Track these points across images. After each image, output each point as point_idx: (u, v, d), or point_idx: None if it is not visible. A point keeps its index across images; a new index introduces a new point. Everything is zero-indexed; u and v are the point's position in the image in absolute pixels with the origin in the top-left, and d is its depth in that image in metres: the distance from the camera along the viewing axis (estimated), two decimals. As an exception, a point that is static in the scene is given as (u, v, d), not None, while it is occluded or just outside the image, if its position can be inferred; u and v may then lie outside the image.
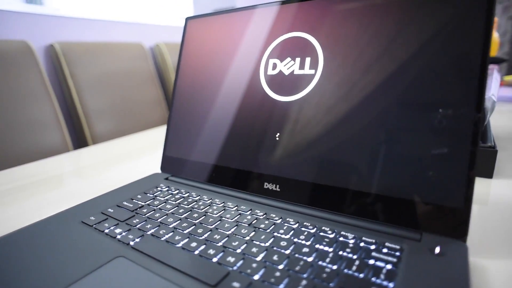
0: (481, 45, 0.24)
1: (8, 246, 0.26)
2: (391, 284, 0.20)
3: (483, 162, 0.40)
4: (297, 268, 0.22)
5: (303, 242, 0.25)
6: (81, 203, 0.34)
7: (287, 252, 0.24)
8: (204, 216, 0.30)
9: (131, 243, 0.26)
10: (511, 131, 0.61)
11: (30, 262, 0.24)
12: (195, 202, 0.33)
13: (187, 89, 0.43)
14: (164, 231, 0.28)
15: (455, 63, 0.25)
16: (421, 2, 0.27)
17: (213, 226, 0.28)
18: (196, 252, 0.25)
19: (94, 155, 0.61)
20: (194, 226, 0.29)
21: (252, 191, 0.34)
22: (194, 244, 0.26)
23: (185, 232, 0.28)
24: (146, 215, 0.31)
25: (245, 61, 0.37)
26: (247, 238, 0.26)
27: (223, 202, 0.33)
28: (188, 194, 0.36)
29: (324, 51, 0.32)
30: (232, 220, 0.29)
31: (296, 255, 0.24)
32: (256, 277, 0.22)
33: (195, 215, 0.31)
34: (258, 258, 0.24)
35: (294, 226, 0.28)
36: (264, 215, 0.30)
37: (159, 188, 0.38)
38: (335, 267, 0.22)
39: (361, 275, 0.21)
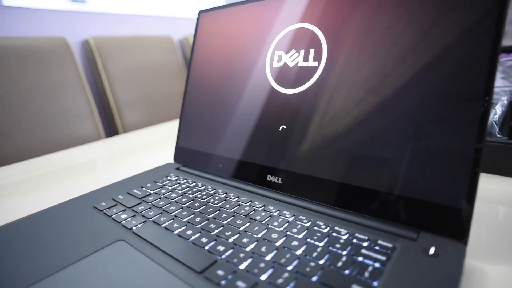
0: (492, 34, 0.22)
1: (28, 225, 0.29)
2: (375, 283, 0.20)
3: (503, 158, 0.37)
4: (283, 260, 0.22)
5: (295, 235, 0.25)
6: (96, 190, 0.37)
7: (277, 244, 0.24)
8: (204, 206, 0.31)
9: (134, 228, 0.28)
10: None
11: (43, 242, 0.27)
12: (199, 192, 0.35)
13: (198, 82, 0.43)
14: (164, 218, 0.29)
15: (464, 53, 0.24)
16: (430, -12, 0.25)
17: (211, 216, 0.29)
18: (190, 239, 0.26)
19: (123, 143, 0.65)
20: (193, 215, 0.30)
21: (255, 182, 0.35)
22: (189, 232, 0.27)
23: (184, 220, 0.29)
24: (151, 203, 0.33)
25: (252, 53, 0.37)
26: (241, 228, 0.27)
27: (226, 193, 0.34)
28: (194, 184, 0.37)
29: (328, 43, 0.31)
30: (230, 211, 0.30)
31: (285, 248, 0.24)
32: (241, 266, 0.22)
33: (197, 204, 0.32)
34: (248, 249, 0.24)
35: (290, 219, 0.28)
36: (262, 207, 0.30)
37: (168, 178, 0.39)
38: (321, 261, 0.22)
39: (346, 272, 0.21)
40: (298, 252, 0.23)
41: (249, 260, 0.23)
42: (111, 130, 1.25)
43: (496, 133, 0.39)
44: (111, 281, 0.22)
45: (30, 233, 0.28)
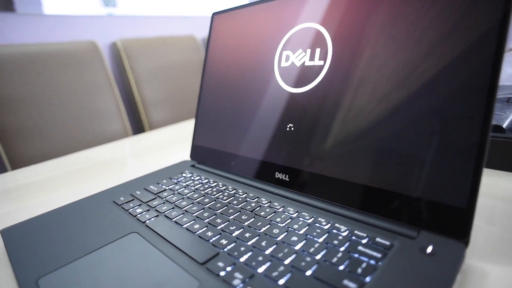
0: (497, 29, 0.22)
1: (54, 218, 0.32)
2: (367, 279, 0.20)
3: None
4: (280, 254, 0.23)
5: (296, 231, 0.26)
6: (118, 185, 0.40)
7: (278, 239, 0.25)
8: (214, 202, 0.33)
9: (147, 221, 0.30)
10: None
11: (67, 232, 0.29)
12: (210, 188, 0.36)
13: (212, 82, 0.45)
14: (175, 213, 0.31)
15: (467, 49, 0.23)
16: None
17: (219, 211, 0.31)
18: (197, 233, 0.27)
19: (148, 140, 0.69)
20: (202, 210, 0.31)
21: (264, 179, 0.36)
22: (197, 226, 0.28)
23: (193, 215, 0.31)
24: (165, 198, 0.35)
25: (262, 54, 0.38)
26: (245, 223, 0.28)
27: (235, 189, 0.35)
28: (206, 180, 0.39)
29: (333, 42, 0.31)
30: (237, 207, 0.31)
31: (285, 243, 0.25)
32: (241, 259, 0.23)
33: (206, 200, 0.33)
34: (249, 243, 0.25)
35: (293, 215, 0.29)
36: (268, 203, 0.31)
37: (183, 175, 0.41)
38: (317, 257, 0.23)
39: (341, 267, 0.22)
40: (297, 247, 0.24)
41: (249, 254, 0.24)
42: (138, 127, 1.32)
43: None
44: (122, 269, 0.24)
45: (57, 225, 0.31)
